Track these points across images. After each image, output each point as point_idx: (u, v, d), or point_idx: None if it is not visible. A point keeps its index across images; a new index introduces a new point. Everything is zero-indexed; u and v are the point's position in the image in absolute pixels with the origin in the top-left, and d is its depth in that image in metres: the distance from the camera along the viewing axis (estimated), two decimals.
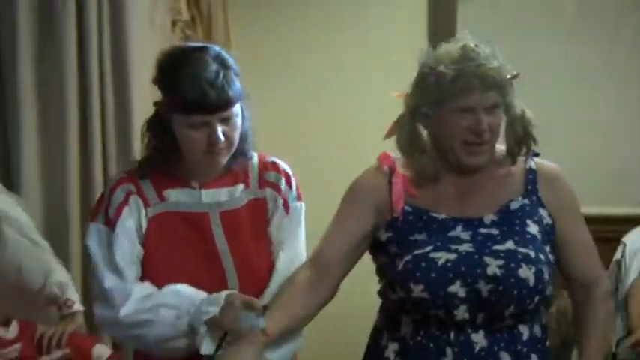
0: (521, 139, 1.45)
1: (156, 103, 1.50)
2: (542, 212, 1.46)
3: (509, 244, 1.38)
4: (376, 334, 1.51)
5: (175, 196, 1.49)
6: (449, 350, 1.37)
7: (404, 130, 1.46)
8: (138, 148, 1.61)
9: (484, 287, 1.34)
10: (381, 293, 1.50)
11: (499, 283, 1.34)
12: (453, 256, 1.36)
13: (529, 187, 1.47)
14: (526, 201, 1.45)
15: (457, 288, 1.34)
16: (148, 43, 2.57)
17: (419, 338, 1.40)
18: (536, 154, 1.52)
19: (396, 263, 1.40)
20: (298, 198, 1.57)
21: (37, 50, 2.56)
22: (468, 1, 3.02)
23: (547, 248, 1.43)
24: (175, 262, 1.47)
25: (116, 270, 1.43)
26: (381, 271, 1.49)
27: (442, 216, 1.43)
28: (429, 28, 3.22)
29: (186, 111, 1.38)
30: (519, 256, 1.36)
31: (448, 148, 1.41)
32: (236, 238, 1.49)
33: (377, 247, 1.48)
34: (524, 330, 1.40)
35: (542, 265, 1.38)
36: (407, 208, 1.44)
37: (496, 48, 1.42)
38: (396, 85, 1.53)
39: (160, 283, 1.44)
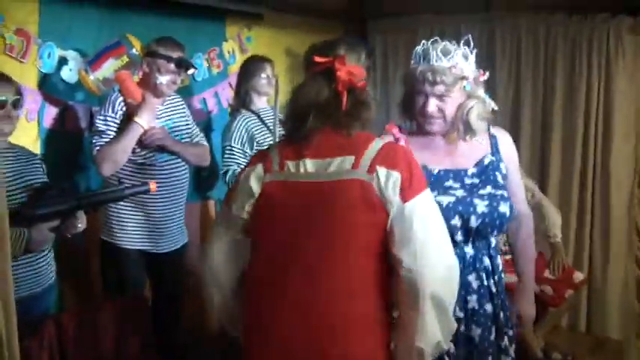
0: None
1: None
2: (502, 165, 2.00)
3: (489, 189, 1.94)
4: None
5: None
6: None
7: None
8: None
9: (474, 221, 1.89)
10: None
11: (486, 217, 1.90)
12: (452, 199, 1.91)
13: (493, 148, 2.03)
14: (493, 157, 2.00)
15: (456, 222, 1.88)
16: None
17: None
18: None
19: None
20: None
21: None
22: None
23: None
24: None
25: None
26: None
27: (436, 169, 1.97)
28: None
29: None
30: (498, 197, 1.92)
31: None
32: None
33: None
34: (492, 240, 1.99)
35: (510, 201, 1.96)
36: None
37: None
38: None
39: None
